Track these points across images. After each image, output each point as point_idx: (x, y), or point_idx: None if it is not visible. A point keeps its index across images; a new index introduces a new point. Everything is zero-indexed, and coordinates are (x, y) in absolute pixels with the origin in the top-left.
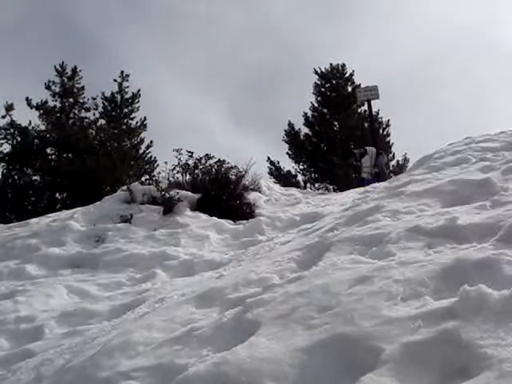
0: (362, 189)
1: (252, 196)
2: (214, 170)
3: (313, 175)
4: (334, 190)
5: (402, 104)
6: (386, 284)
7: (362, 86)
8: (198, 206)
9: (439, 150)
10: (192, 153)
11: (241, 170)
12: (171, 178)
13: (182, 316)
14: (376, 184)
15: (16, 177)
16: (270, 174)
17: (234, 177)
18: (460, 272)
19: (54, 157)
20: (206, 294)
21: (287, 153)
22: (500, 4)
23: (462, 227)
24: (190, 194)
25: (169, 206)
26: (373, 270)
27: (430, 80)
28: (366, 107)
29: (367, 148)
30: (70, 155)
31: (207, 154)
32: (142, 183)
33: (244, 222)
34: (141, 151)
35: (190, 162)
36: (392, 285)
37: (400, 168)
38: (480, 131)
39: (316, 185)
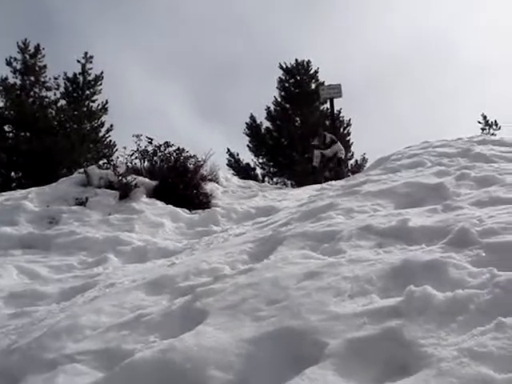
0: (319, 185)
1: (209, 186)
2: (172, 158)
3: (272, 169)
4: (292, 185)
5: (360, 107)
6: (335, 280)
7: (326, 83)
8: (154, 193)
9: (397, 152)
10: (151, 139)
11: (200, 159)
12: (129, 164)
13: (131, 302)
14: (333, 182)
15: None
16: (229, 165)
17: (192, 166)
18: (407, 272)
19: (11, 134)
20: (157, 281)
21: (248, 145)
22: (456, 12)
23: (412, 229)
24: (147, 180)
25: (125, 192)
26: (323, 266)
27: (388, 88)
28: (328, 105)
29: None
30: (27, 134)
31: (167, 142)
32: (99, 167)
33: (200, 211)
34: (100, 134)
35: (149, 148)
36: (340, 281)
37: (358, 167)
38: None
39: (274, 179)
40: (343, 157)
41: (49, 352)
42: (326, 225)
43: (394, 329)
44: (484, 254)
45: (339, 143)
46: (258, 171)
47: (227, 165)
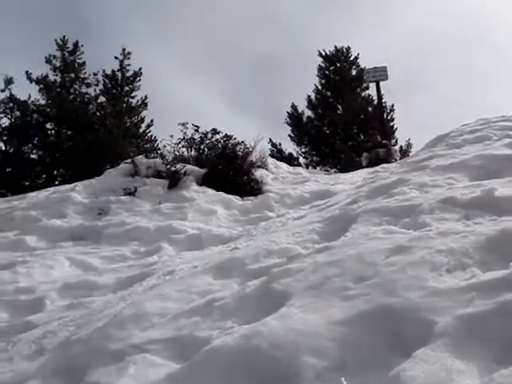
0: (371, 169)
1: (259, 173)
2: (220, 145)
3: (315, 158)
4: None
5: (402, 90)
6: (428, 254)
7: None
8: (204, 181)
9: (455, 130)
10: (198, 127)
11: (248, 146)
12: (176, 152)
13: (198, 286)
14: (386, 165)
15: (15, 152)
16: (272, 155)
17: (241, 152)
18: (507, 243)
19: (53, 132)
20: (224, 265)
21: (289, 135)
22: None
23: (500, 199)
24: (196, 168)
25: (174, 180)
26: (410, 239)
27: (429, 70)
28: (370, 91)
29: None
30: (69, 131)
31: (214, 129)
32: (146, 156)
33: (252, 198)
34: (141, 130)
35: (196, 136)
36: (434, 255)
37: (403, 153)
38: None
39: (318, 168)
40: (398, 159)
41: (114, 342)
42: (400, 199)
43: (509, 302)
44: None
45: (395, 148)
46: (301, 160)
47: (270, 155)
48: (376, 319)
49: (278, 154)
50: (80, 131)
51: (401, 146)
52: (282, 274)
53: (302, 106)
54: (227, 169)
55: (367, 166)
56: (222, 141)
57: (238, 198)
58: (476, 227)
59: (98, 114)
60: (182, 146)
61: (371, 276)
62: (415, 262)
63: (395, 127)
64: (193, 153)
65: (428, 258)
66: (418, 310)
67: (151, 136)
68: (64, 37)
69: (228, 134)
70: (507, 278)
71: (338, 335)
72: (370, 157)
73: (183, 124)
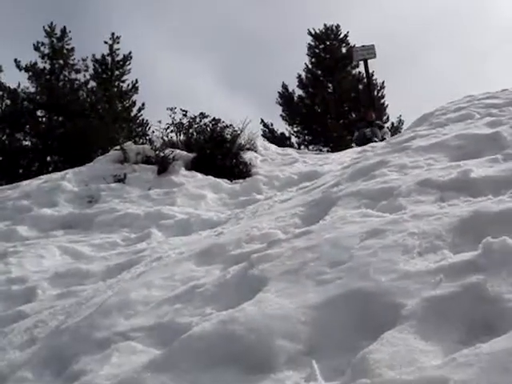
0: (359, 148)
1: (248, 155)
2: (208, 128)
3: (307, 137)
4: (328, 152)
5: (394, 66)
6: (401, 237)
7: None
8: (193, 166)
9: (440, 108)
10: (186, 111)
11: (236, 129)
12: (165, 138)
13: (182, 273)
14: (374, 144)
15: (6, 140)
16: (264, 136)
17: (229, 136)
18: (478, 225)
19: (44, 119)
20: (207, 251)
21: (281, 115)
22: None
23: (475, 180)
24: (184, 153)
25: (163, 166)
26: (385, 223)
27: (421, 43)
28: (360, 69)
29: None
30: (60, 118)
31: (202, 113)
32: (135, 142)
33: (241, 181)
34: (133, 114)
35: (184, 120)
36: (407, 238)
37: (395, 130)
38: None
39: (310, 147)
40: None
41: (100, 330)
42: (380, 182)
43: (475, 284)
44: None
45: (386, 129)
46: (293, 140)
47: (262, 135)
48: (348, 303)
49: (270, 134)
50: (71, 117)
51: (392, 123)
52: (260, 259)
53: (293, 85)
54: (215, 153)
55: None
56: (210, 124)
57: (226, 181)
58: (450, 209)
59: (88, 99)
60: (171, 131)
61: (346, 260)
62: (388, 245)
63: (386, 104)
64: (182, 137)
65: (401, 242)
66: (387, 293)
67: (143, 120)
68: (52, 23)
69: (216, 117)
70: (474, 261)
71: (311, 319)
72: (359, 136)
73: (171, 109)
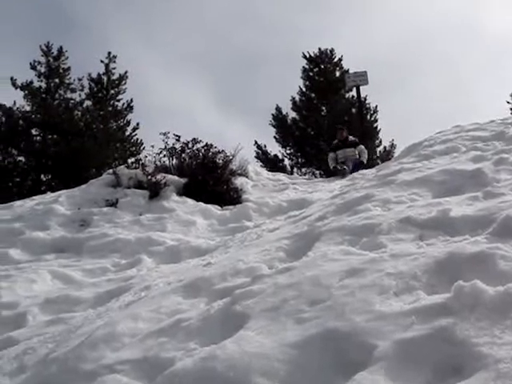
0: (349, 175)
1: (239, 181)
2: (201, 154)
3: (300, 160)
4: (321, 175)
5: (385, 91)
6: (378, 277)
7: (351, 71)
8: (184, 191)
9: (429, 138)
10: (179, 136)
11: (228, 154)
12: (158, 162)
13: (168, 306)
14: (364, 171)
15: (0, 158)
16: (257, 157)
17: (221, 161)
18: (453, 266)
19: (38, 138)
20: (193, 284)
21: (274, 137)
22: None
23: (454, 219)
24: (176, 178)
25: (155, 191)
26: (364, 262)
27: (411, 67)
28: (354, 93)
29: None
30: (55, 136)
31: (194, 138)
32: (128, 167)
33: (231, 207)
34: (127, 133)
35: (177, 145)
36: (384, 278)
37: (387, 154)
38: (463, 117)
39: (303, 169)
40: (365, 161)
41: (87, 362)
42: (363, 217)
43: (444, 328)
44: None
45: (363, 146)
46: (286, 162)
47: (255, 157)
48: (324, 342)
49: (263, 156)
50: (65, 137)
51: (385, 147)
52: (243, 295)
53: (287, 108)
54: (207, 178)
55: (335, 168)
56: (202, 150)
57: (217, 207)
58: (428, 249)
59: (83, 119)
60: (164, 156)
61: (325, 299)
62: (366, 285)
63: (379, 128)
64: (174, 161)
65: (378, 282)
66: (362, 333)
67: (137, 139)
68: (48, 42)
69: (208, 142)
70: (445, 304)
71: (289, 357)
72: (333, 157)
73: (164, 133)
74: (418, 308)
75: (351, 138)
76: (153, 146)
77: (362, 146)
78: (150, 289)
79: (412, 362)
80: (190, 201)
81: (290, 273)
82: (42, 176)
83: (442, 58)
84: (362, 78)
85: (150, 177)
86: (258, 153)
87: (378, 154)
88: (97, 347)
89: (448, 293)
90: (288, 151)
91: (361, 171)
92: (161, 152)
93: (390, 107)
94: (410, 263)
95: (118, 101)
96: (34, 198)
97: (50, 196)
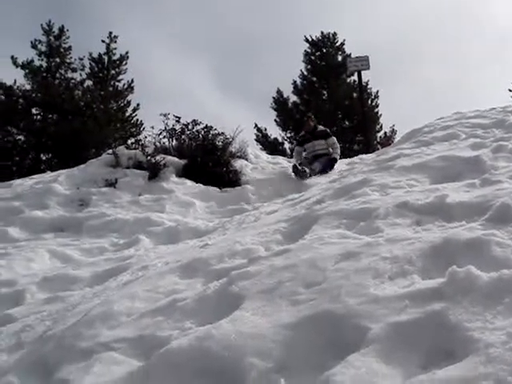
0: (348, 159)
1: (238, 163)
2: (200, 136)
3: None
4: None
5: (388, 76)
6: (374, 261)
7: (353, 55)
8: (183, 172)
9: (429, 124)
10: (179, 118)
11: (228, 136)
12: (157, 143)
13: (165, 286)
14: (364, 155)
15: (0, 136)
16: (257, 140)
17: (221, 143)
18: (449, 251)
19: (39, 117)
20: (191, 264)
21: (275, 120)
22: None
23: (451, 205)
24: (176, 159)
25: (154, 172)
26: (360, 246)
27: (416, 54)
28: (355, 77)
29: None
30: (55, 116)
31: (194, 120)
32: (127, 147)
33: (230, 189)
34: (127, 114)
35: (177, 127)
36: (379, 262)
37: (387, 140)
38: (465, 106)
39: None
40: (338, 157)
41: (84, 340)
42: (361, 202)
43: (437, 312)
44: None
45: (334, 138)
46: (286, 145)
47: (255, 140)
48: (318, 324)
49: (264, 138)
50: (65, 116)
51: (385, 133)
52: (239, 276)
53: (288, 91)
54: (207, 160)
55: (294, 166)
56: (202, 132)
57: (216, 189)
58: (424, 234)
59: (84, 98)
60: (164, 137)
61: (320, 282)
62: (361, 268)
63: (379, 113)
64: (174, 143)
65: (373, 265)
66: (356, 316)
67: (137, 120)
68: (50, 21)
69: (208, 124)
70: (439, 288)
71: (284, 338)
72: (299, 152)
73: (165, 115)
74: (412, 292)
75: (320, 127)
76: (153, 127)
77: (334, 138)
78: (148, 269)
79: (405, 344)
80: (189, 182)
81: (286, 255)
82: (42, 155)
83: (448, 45)
84: (363, 62)
85: (149, 157)
86: (258, 136)
87: (379, 140)
88: (93, 325)
89: (442, 278)
90: (288, 135)
91: (360, 156)
92: (161, 133)
93: (391, 95)
94: (405, 248)
95: (119, 81)
96: (33, 176)
97: (49, 175)
